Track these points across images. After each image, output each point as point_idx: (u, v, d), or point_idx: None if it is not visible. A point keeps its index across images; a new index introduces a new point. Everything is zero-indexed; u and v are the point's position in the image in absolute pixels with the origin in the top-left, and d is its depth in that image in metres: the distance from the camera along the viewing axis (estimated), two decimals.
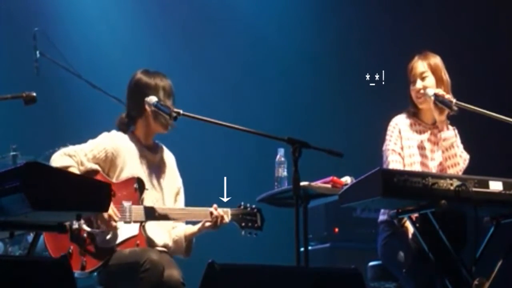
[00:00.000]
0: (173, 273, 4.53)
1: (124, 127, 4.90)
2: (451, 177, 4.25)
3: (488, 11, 7.87)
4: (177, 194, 4.96)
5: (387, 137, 5.06)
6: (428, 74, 5.05)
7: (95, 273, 4.70)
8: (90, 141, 4.79)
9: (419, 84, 5.03)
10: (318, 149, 4.63)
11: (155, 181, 4.84)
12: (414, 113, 5.11)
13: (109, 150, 4.75)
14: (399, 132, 5.04)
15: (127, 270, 4.46)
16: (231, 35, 8.60)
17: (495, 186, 4.29)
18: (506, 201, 4.30)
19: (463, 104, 4.91)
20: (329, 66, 8.40)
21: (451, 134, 5.06)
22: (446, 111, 4.98)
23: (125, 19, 8.58)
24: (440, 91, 4.96)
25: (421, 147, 5.03)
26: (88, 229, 4.56)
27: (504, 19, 7.80)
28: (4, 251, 6.72)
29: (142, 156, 4.84)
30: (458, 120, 5.09)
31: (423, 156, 5.02)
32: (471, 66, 7.63)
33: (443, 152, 4.99)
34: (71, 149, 4.73)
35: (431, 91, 4.99)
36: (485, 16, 7.88)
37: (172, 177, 4.95)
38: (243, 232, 4.90)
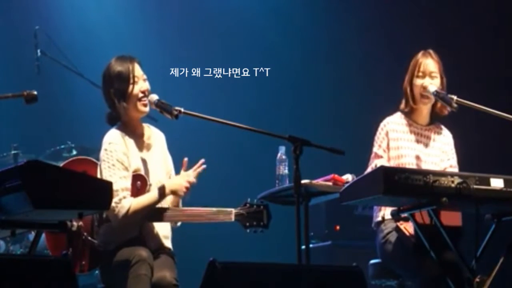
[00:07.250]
0: (166, 274, 4.49)
1: (115, 121, 4.84)
2: (452, 175, 4.25)
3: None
4: (169, 177, 4.90)
5: (375, 139, 5.06)
6: (437, 75, 5.05)
7: (96, 271, 4.69)
8: (109, 160, 4.66)
9: (427, 81, 5.02)
10: (319, 147, 4.63)
11: (153, 170, 4.79)
12: (408, 113, 5.10)
13: (124, 151, 4.70)
14: (386, 134, 5.04)
15: (121, 268, 4.44)
16: (230, 32, 8.59)
17: (496, 183, 4.28)
18: (507, 198, 4.29)
19: (463, 101, 4.91)
20: (330, 63, 8.39)
21: (448, 137, 5.09)
22: (446, 110, 5.01)
23: (125, 18, 8.58)
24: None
25: (413, 149, 5.01)
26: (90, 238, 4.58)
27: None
28: (6, 250, 6.72)
29: (138, 147, 4.78)
30: (457, 117, 5.09)
31: (418, 158, 5.01)
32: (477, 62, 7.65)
33: (434, 154, 5.02)
34: (115, 189, 4.40)
35: (432, 87, 5.00)
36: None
37: (164, 159, 4.90)
38: (247, 230, 4.86)
